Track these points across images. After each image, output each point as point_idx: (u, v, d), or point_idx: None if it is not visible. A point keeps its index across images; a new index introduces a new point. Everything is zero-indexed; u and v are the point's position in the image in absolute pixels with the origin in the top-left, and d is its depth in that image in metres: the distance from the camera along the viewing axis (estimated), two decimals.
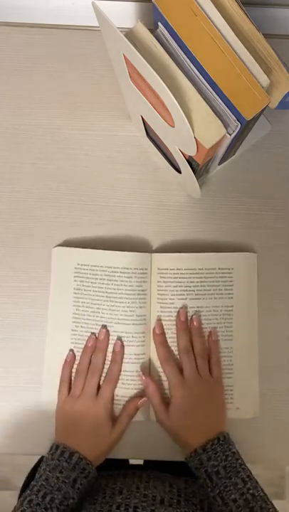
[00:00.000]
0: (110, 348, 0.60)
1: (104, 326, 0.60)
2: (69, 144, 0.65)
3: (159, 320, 0.60)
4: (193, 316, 0.60)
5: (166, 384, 0.59)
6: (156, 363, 0.60)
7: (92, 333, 0.60)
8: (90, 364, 0.59)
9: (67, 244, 0.63)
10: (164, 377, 0.59)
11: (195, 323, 0.59)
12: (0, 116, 0.65)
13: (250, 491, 0.49)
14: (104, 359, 0.59)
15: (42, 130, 0.65)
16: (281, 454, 0.61)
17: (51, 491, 0.50)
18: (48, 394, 0.60)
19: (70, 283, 0.61)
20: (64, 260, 0.62)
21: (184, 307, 0.60)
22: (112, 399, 0.58)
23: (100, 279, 0.61)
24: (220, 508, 0.49)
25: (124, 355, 0.59)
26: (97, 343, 0.60)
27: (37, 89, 0.65)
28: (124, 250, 0.61)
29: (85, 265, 0.61)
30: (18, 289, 0.63)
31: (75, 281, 0.61)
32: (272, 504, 0.49)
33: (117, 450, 0.60)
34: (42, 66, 0.66)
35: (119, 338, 0.59)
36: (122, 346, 0.59)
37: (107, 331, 0.60)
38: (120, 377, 0.59)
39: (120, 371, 0.59)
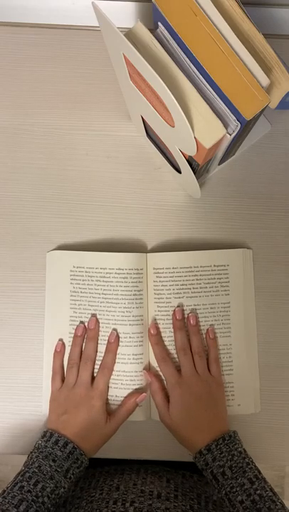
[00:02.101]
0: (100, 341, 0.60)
1: (93, 315, 0.60)
2: (69, 144, 0.65)
3: (153, 321, 0.60)
4: (190, 314, 0.60)
5: (165, 383, 0.59)
6: (155, 363, 0.59)
7: (81, 322, 0.60)
8: (82, 353, 0.59)
9: (67, 244, 0.64)
10: (162, 377, 0.59)
11: (192, 322, 0.59)
12: (0, 116, 0.65)
13: (258, 492, 0.48)
14: (96, 347, 0.59)
15: (42, 130, 0.65)
16: (281, 453, 0.61)
17: (43, 479, 0.50)
18: (47, 395, 0.60)
19: (67, 286, 0.61)
20: (59, 264, 0.62)
21: (180, 306, 0.60)
22: (107, 389, 0.58)
23: (96, 280, 0.60)
24: (228, 509, 0.49)
25: (123, 356, 0.59)
26: (87, 333, 0.60)
27: (37, 89, 0.65)
28: (124, 250, 0.61)
29: (80, 267, 0.61)
30: (18, 289, 0.63)
31: (71, 283, 0.61)
32: (282, 503, 0.48)
33: (117, 450, 0.60)
34: (42, 66, 0.66)
35: (115, 329, 0.59)
36: (117, 337, 0.59)
37: (97, 320, 0.60)
38: (119, 378, 0.59)
39: (115, 360, 0.59)
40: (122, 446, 0.61)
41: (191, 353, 0.58)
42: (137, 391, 0.59)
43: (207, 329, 0.60)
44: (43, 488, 0.49)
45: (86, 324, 0.60)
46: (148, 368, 0.60)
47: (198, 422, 0.54)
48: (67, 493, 0.52)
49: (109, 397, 0.59)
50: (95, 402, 0.56)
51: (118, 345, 0.59)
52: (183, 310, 0.60)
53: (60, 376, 0.59)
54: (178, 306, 0.60)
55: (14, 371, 0.62)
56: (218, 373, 0.58)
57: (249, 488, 0.48)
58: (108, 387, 0.58)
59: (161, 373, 0.59)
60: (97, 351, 0.59)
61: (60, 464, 0.51)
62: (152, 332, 0.59)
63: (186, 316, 0.60)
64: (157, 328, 0.60)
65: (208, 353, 0.59)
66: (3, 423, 0.61)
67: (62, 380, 0.59)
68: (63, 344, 0.61)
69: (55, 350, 0.60)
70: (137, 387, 0.59)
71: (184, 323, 0.60)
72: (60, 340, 0.61)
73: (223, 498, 0.49)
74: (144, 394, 0.58)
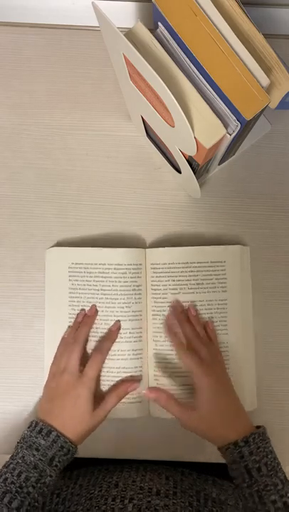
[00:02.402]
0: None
1: (94, 305, 0.60)
2: (69, 144, 0.65)
3: (193, 306, 0.60)
4: (189, 306, 0.60)
5: (164, 378, 0.59)
6: (153, 358, 0.60)
7: (82, 309, 0.61)
8: (74, 336, 0.59)
9: (67, 244, 0.64)
10: (160, 373, 0.59)
11: (193, 313, 0.59)
12: (0, 116, 0.65)
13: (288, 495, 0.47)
14: (88, 333, 0.59)
15: (42, 130, 0.65)
16: (281, 453, 0.60)
17: (27, 469, 0.49)
18: None
19: (65, 283, 0.61)
20: (58, 261, 0.62)
21: (176, 301, 0.60)
22: (97, 377, 0.57)
23: (95, 276, 0.61)
24: (254, 506, 0.47)
25: (122, 352, 0.59)
26: (84, 319, 0.60)
27: (37, 89, 0.66)
28: (123, 247, 0.61)
29: (78, 264, 0.61)
30: (18, 289, 0.63)
31: (69, 280, 0.61)
32: None
33: (116, 450, 0.60)
34: (42, 66, 0.66)
35: (118, 321, 0.60)
36: (119, 328, 0.59)
37: (96, 310, 0.60)
38: (119, 375, 0.59)
39: (110, 349, 0.58)
40: (122, 446, 0.61)
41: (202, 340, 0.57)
42: (130, 379, 0.59)
43: (206, 321, 0.60)
44: (26, 479, 0.49)
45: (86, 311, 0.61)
46: (146, 364, 0.60)
47: (227, 408, 0.53)
48: (56, 481, 0.52)
49: None
50: (81, 391, 0.54)
51: (117, 336, 0.59)
52: (180, 302, 0.60)
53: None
54: (174, 301, 0.60)
55: (14, 371, 0.62)
56: (224, 363, 0.58)
57: (281, 489, 0.47)
58: (99, 374, 0.58)
59: (158, 369, 0.59)
60: (88, 336, 0.59)
61: (44, 453, 0.51)
62: (169, 324, 0.59)
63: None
64: (172, 320, 0.59)
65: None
66: (2, 423, 0.61)
67: None
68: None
69: (62, 337, 0.60)
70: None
71: (186, 314, 0.59)
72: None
73: (253, 494, 0.48)
74: (136, 384, 0.57)
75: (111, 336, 0.59)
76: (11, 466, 0.50)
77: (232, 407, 0.54)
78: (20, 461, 0.50)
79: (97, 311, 0.60)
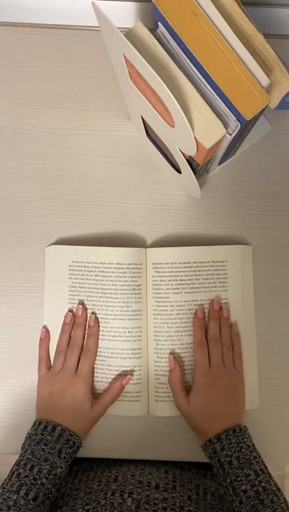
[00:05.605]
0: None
1: (81, 302, 0.61)
2: (69, 144, 0.65)
3: (201, 306, 0.60)
4: (224, 307, 0.60)
5: (165, 378, 0.59)
6: (153, 358, 0.60)
7: (70, 310, 0.61)
8: (70, 340, 0.60)
9: (67, 243, 0.64)
10: (160, 372, 0.59)
11: (225, 314, 0.60)
12: (0, 116, 0.65)
13: (262, 484, 0.49)
14: (84, 334, 0.60)
15: (42, 130, 0.65)
16: (281, 453, 0.61)
17: (38, 462, 0.51)
18: None
19: (65, 281, 0.62)
20: (58, 258, 0.62)
21: (217, 297, 0.61)
22: (91, 373, 0.58)
23: (95, 275, 0.61)
24: (231, 498, 0.50)
25: (122, 351, 0.60)
26: (75, 320, 0.60)
27: (37, 89, 0.66)
28: (123, 246, 0.61)
29: (78, 262, 0.61)
30: (18, 289, 0.63)
31: (69, 278, 0.61)
32: (285, 499, 0.48)
33: (117, 450, 0.60)
34: (42, 66, 0.66)
35: (94, 313, 0.60)
36: (97, 320, 0.60)
37: (84, 307, 0.60)
38: (117, 373, 0.59)
39: (97, 344, 0.59)
40: (123, 447, 0.61)
41: (221, 345, 0.59)
42: (122, 374, 0.59)
43: (231, 324, 0.60)
44: (39, 471, 0.50)
45: (74, 311, 0.61)
46: (146, 363, 0.60)
47: (216, 413, 0.55)
48: (66, 474, 0.53)
49: None
50: (79, 387, 0.56)
51: (98, 328, 0.60)
52: (219, 301, 0.60)
53: (45, 363, 0.60)
54: (215, 298, 0.60)
55: (14, 371, 0.62)
56: (242, 367, 0.59)
57: (254, 479, 0.49)
58: (93, 371, 0.59)
59: (159, 367, 0.59)
60: (84, 338, 0.60)
61: (52, 446, 0.53)
62: (199, 316, 0.60)
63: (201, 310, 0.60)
64: (204, 313, 0.60)
65: (233, 347, 0.59)
66: (3, 423, 0.61)
67: (49, 367, 0.60)
68: (47, 331, 0.61)
69: (40, 338, 0.61)
70: (135, 381, 0.59)
71: (219, 314, 0.60)
72: (44, 327, 0.61)
73: (228, 486, 0.50)
74: (128, 376, 0.58)
75: (92, 331, 0.59)
76: (22, 462, 0.52)
77: (221, 413, 0.55)
78: (30, 457, 0.52)
79: (86, 309, 0.60)
